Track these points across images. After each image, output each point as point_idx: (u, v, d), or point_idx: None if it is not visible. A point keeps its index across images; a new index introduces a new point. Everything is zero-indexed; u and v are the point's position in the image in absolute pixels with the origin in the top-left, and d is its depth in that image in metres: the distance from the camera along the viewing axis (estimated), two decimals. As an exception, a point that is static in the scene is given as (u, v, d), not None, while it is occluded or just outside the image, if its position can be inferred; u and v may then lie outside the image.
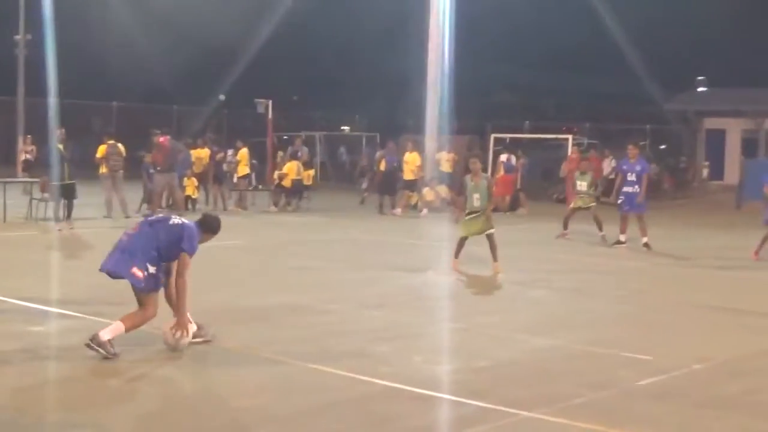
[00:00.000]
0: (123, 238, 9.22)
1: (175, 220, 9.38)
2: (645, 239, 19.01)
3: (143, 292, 9.01)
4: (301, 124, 46.09)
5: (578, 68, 57.31)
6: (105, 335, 8.76)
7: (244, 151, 28.34)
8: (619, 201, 19.48)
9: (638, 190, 19.22)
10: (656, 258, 17.92)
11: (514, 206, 29.49)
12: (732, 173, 38.39)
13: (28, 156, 32.45)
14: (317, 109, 48.68)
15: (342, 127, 52.29)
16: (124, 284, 9.03)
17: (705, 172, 41.52)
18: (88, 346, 8.71)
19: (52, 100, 34.26)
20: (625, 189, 19.39)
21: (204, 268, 10.96)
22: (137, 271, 8.91)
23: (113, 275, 9.13)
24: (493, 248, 14.90)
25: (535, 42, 56.52)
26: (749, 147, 40.09)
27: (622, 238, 19.35)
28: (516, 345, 9.97)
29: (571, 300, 13.05)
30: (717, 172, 40.78)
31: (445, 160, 29.65)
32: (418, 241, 20.17)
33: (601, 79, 55.50)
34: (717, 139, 42.03)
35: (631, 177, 19.36)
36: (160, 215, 10.69)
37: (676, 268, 16.79)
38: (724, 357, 9.70)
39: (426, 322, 11.09)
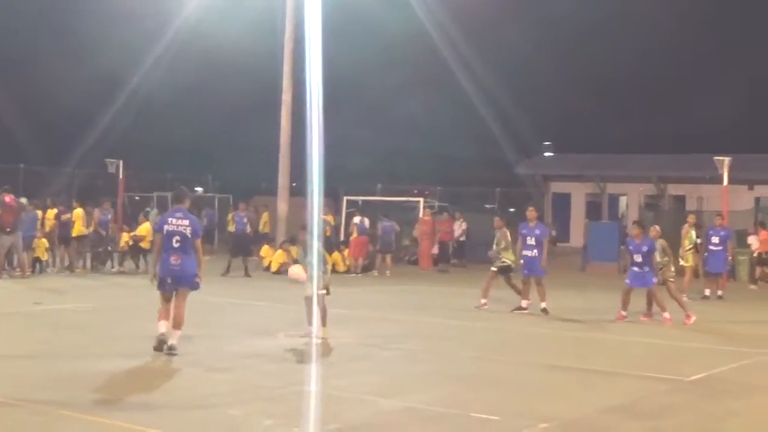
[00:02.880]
0: None
1: None
2: (543, 304, 18.99)
3: None
4: (154, 184, 45.48)
5: (429, 132, 58.31)
6: None
7: (78, 212, 27.60)
8: (520, 265, 19.46)
9: (537, 254, 19.15)
10: (504, 319, 18.23)
11: (367, 268, 29.73)
12: (577, 236, 39.46)
13: None
14: (170, 170, 48.08)
15: (195, 188, 51.82)
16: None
17: (552, 234, 42.52)
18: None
19: None
20: (525, 253, 19.33)
21: (49, 333, 10.71)
22: None
23: None
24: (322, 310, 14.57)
25: (388, 106, 57.32)
26: (593, 210, 41.34)
27: (524, 303, 19.22)
28: (366, 407, 9.98)
29: (420, 361, 13.14)
30: (563, 234, 41.85)
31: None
32: (264, 303, 20.05)
33: (452, 143, 56.56)
34: (563, 202, 43.19)
35: (531, 241, 19.29)
36: None
37: (526, 329, 17.09)
38: (569, 415, 9.89)
39: (276, 385, 11.01)
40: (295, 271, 14.35)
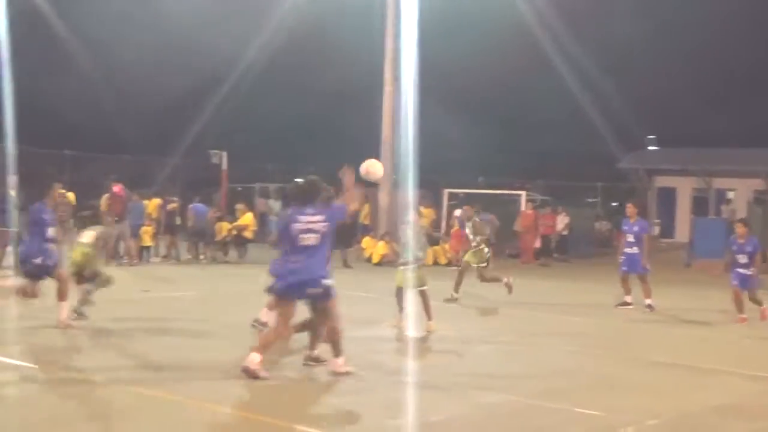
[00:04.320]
0: None
1: None
2: (648, 301, 18.65)
3: None
4: (256, 175, 46.00)
5: (531, 125, 57.84)
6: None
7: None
8: (620, 261, 19.17)
9: (637, 250, 18.87)
10: (609, 315, 17.98)
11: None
12: (682, 231, 38.81)
13: None
14: (272, 161, 48.52)
15: (296, 179, 52.21)
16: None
17: (656, 230, 41.93)
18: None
19: (6, 147, 33.99)
20: (625, 250, 19.07)
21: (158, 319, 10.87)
22: None
23: None
24: (425, 305, 14.41)
25: (487, 98, 57.01)
26: (699, 205, 40.60)
27: (628, 299, 18.87)
28: (467, 400, 9.91)
29: (520, 355, 13.03)
30: (668, 230, 41.20)
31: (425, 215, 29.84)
32: (367, 294, 20.08)
33: (553, 137, 56.02)
34: (668, 197, 42.52)
35: (630, 238, 19.05)
36: None
37: (629, 324, 16.85)
38: (675, 413, 9.71)
39: (376, 376, 11.01)
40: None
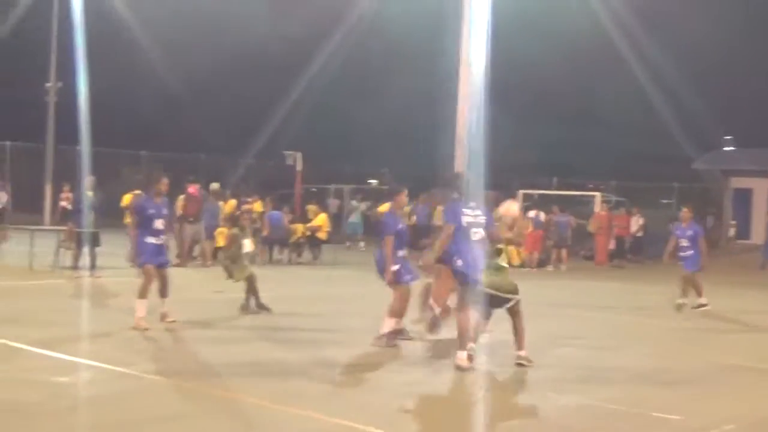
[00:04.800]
0: None
1: None
2: (701, 300, 18.40)
3: None
4: (329, 176, 46.27)
5: (605, 125, 57.36)
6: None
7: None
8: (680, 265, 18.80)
9: (692, 254, 18.43)
10: (683, 317, 17.79)
11: (543, 263, 29.48)
12: (759, 233, 38.24)
13: (66, 204, 32.55)
14: (346, 162, 48.88)
15: (369, 180, 52.44)
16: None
17: (732, 231, 41.39)
18: None
19: (83, 148, 34.58)
20: (680, 254, 18.70)
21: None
22: None
23: None
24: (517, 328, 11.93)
25: (561, 98, 56.69)
26: (777, 207, 40.01)
27: (703, 300, 18.50)
28: (544, 403, 9.90)
29: (596, 358, 12.95)
30: (743, 231, 40.64)
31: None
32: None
33: (627, 137, 55.53)
34: (744, 198, 41.93)
35: (684, 242, 18.65)
36: None
37: (703, 327, 16.66)
38: (754, 417, 9.61)
39: (458, 378, 11.04)
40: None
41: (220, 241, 26.56)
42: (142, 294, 13.35)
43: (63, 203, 32.65)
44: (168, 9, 41.96)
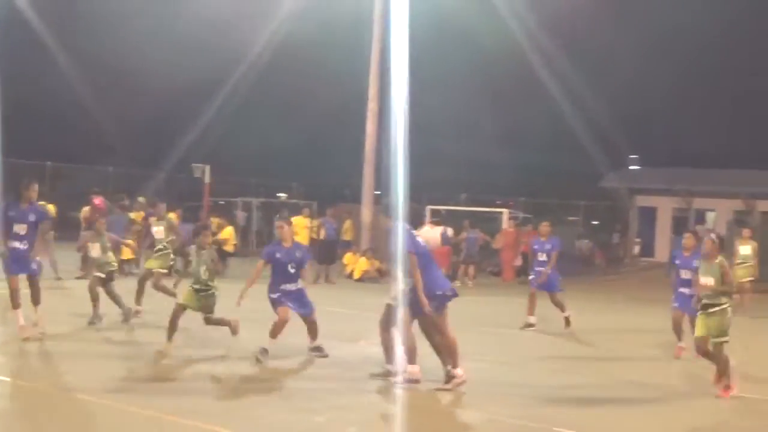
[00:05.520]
0: None
1: None
2: (565, 314, 18.01)
3: None
4: (237, 189, 45.99)
5: (514, 143, 58.03)
6: None
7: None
8: (530, 278, 18.55)
9: (549, 269, 17.97)
10: (591, 334, 17.93)
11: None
12: (662, 250, 38.95)
13: None
14: (254, 176, 48.60)
15: (278, 194, 52.25)
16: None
17: (636, 249, 42.13)
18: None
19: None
20: (537, 269, 18.28)
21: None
22: None
23: None
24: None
25: (472, 116, 57.18)
26: (680, 225, 40.79)
27: (531, 320, 18.08)
28: (450, 419, 9.91)
29: (499, 374, 13.00)
30: (648, 248, 41.38)
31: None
32: (348, 310, 20.05)
33: (536, 155, 56.21)
34: (649, 216, 42.70)
35: (542, 257, 18.23)
36: None
37: (610, 345, 16.81)
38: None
39: (355, 393, 11.00)
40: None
41: (126, 254, 26.25)
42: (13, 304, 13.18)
43: None
44: (68, 9, 41.37)
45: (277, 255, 13.11)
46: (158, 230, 17.66)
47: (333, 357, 13.30)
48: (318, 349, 13.33)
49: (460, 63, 48.50)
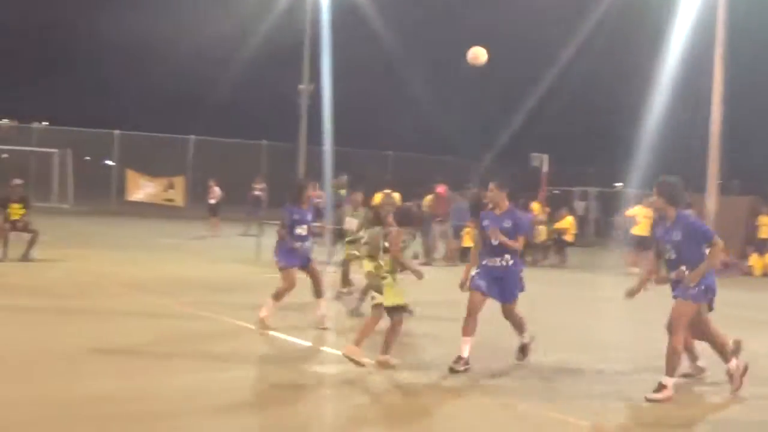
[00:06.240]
0: None
1: None
2: None
3: None
4: (574, 179, 45.67)
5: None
6: None
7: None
8: None
9: None
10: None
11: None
12: None
13: (260, 193, 34.30)
14: (591, 164, 48.12)
15: (615, 184, 51.45)
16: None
17: None
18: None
19: (327, 147, 35.53)
20: None
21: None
22: None
23: None
24: None
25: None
26: None
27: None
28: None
29: None
30: None
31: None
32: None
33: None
34: None
35: None
36: None
37: None
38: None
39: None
40: None
41: (467, 241, 26.66)
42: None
43: (256, 192, 34.08)
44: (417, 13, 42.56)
45: None
46: (349, 221, 17.13)
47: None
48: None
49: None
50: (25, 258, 19.89)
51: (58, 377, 9.35)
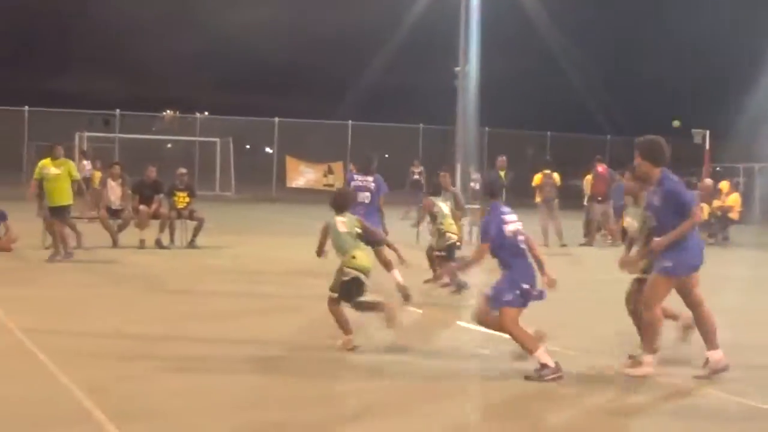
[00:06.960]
0: None
1: None
2: None
3: None
4: (739, 154, 44.44)
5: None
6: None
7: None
8: None
9: None
10: None
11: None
12: None
13: (419, 177, 35.43)
14: (755, 140, 46.68)
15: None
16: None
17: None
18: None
19: (485, 129, 35.47)
20: None
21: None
22: None
23: None
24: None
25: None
26: None
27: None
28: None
29: None
30: None
31: None
32: None
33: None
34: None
35: None
36: None
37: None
38: None
39: None
40: None
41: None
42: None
43: (415, 176, 35.15)
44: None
45: None
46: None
47: None
48: None
49: None
50: (191, 245, 20.57)
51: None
